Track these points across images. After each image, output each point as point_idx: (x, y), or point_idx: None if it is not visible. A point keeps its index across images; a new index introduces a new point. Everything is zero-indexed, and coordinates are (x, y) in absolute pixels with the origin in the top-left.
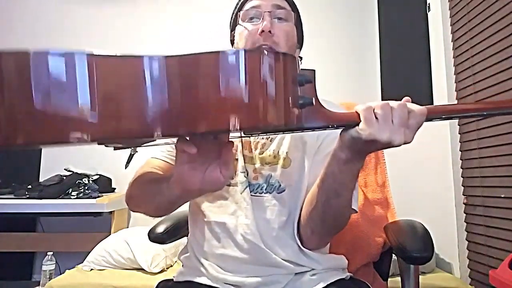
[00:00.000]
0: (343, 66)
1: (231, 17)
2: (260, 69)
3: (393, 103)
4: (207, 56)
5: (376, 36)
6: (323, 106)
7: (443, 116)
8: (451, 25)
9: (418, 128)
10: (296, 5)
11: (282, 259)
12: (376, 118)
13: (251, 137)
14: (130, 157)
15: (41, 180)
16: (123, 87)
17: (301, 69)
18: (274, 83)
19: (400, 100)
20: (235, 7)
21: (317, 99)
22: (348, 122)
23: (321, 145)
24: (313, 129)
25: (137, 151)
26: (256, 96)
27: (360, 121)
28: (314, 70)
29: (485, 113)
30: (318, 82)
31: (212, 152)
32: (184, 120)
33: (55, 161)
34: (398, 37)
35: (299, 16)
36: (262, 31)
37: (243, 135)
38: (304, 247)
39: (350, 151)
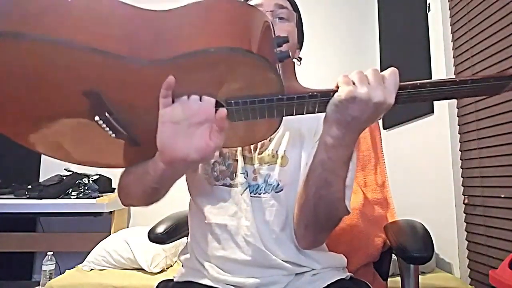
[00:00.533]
0: (343, 66)
1: None
2: (246, 14)
3: (365, 71)
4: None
5: (376, 36)
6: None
7: (414, 91)
8: (451, 25)
9: (396, 88)
10: (297, 6)
11: (282, 260)
12: (353, 82)
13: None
14: None
15: (41, 180)
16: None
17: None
18: (255, 27)
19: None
20: None
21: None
22: (327, 90)
23: (315, 136)
24: (293, 99)
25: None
26: (239, 25)
27: (338, 88)
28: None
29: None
30: (318, 82)
31: (198, 116)
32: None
33: (55, 161)
34: (398, 37)
35: (300, 17)
36: None
37: (227, 107)
38: (300, 245)
39: (337, 126)
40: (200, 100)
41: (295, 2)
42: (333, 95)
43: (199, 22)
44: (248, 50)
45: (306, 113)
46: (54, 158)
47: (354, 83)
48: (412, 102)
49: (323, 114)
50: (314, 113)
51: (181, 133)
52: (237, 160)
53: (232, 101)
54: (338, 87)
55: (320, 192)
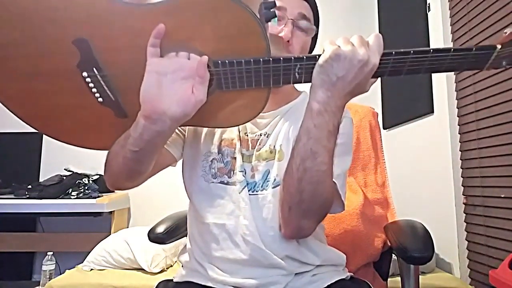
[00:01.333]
0: None
1: None
2: None
3: (353, 37)
4: None
5: None
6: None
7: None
8: (451, 25)
9: (380, 50)
10: (319, 20)
11: (282, 257)
12: (338, 45)
13: (249, 135)
14: None
15: (41, 180)
16: None
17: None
18: None
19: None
20: None
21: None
22: (313, 55)
23: None
24: (279, 61)
25: None
26: None
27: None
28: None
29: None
30: None
31: (184, 71)
32: None
33: (55, 161)
34: (398, 37)
35: (317, 28)
36: (282, 38)
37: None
38: (284, 234)
39: (323, 88)
40: (189, 58)
41: (318, 15)
42: (319, 58)
43: None
44: None
45: (293, 82)
46: (37, 131)
47: (338, 45)
48: (398, 73)
49: None
50: (301, 82)
51: (165, 85)
52: (235, 158)
53: (219, 61)
54: (324, 51)
55: (305, 164)
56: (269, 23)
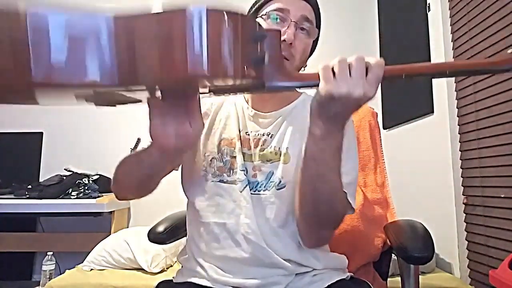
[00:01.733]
0: None
1: (250, 9)
2: (217, 27)
3: (350, 58)
4: (167, 15)
5: (376, 36)
6: (285, 66)
7: (404, 76)
8: (451, 25)
9: (378, 82)
10: (321, 22)
11: (284, 259)
12: (334, 73)
13: (250, 134)
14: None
15: (41, 180)
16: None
17: (263, 28)
18: (225, 39)
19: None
20: (256, 2)
21: (278, 57)
22: (310, 82)
23: None
24: (277, 89)
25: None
26: (203, 49)
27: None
28: (279, 31)
29: (447, 73)
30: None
31: (182, 107)
32: (142, 70)
33: (55, 161)
34: (398, 37)
35: (319, 32)
36: (284, 40)
37: (212, 94)
38: (305, 245)
39: (322, 120)
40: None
41: (320, 17)
42: (314, 87)
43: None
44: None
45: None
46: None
47: (334, 74)
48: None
49: None
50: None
51: (168, 124)
52: (235, 157)
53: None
54: (319, 82)
55: (316, 185)
56: (271, 23)
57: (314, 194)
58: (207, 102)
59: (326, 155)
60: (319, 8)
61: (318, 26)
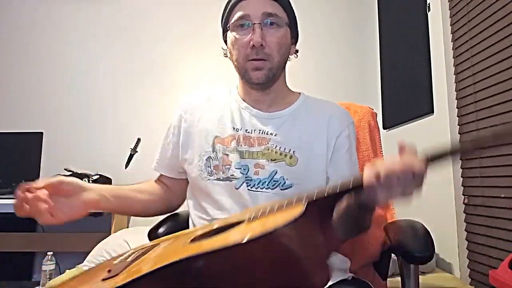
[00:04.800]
0: (343, 66)
1: (221, 19)
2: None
3: (397, 165)
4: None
5: (376, 36)
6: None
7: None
8: (451, 25)
9: (423, 180)
10: (288, 2)
11: None
12: (379, 182)
13: (252, 132)
14: (130, 157)
15: None
16: None
17: None
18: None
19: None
20: (224, 11)
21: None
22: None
23: (336, 144)
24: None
25: (137, 151)
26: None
27: (363, 186)
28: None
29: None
30: (319, 82)
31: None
32: None
33: (55, 161)
34: (398, 37)
35: (293, 12)
36: (253, 45)
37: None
38: None
39: (362, 203)
40: None
41: (289, 2)
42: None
43: None
44: None
45: None
46: None
47: (379, 182)
48: None
49: (331, 118)
50: None
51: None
52: (227, 154)
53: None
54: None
55: (352, 234)
56: (239, 33)
57: (347, 236)
58: (176, 114)
59: (366, 215)
60: None
61: (287, 9)
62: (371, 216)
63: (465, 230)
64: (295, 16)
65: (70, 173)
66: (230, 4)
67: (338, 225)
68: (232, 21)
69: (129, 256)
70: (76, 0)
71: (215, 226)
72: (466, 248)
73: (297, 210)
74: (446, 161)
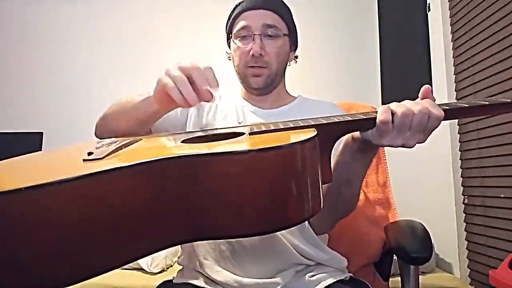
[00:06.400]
0: (343, 66)
1: (226, 26)
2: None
3: (415, 108)
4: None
5: (376, 36)
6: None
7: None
8: (451, 25)
9: (431, 132)
10: (288, 10)
11: (287, 243)
12: (393, 123)
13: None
14: None
15: None
16: None
17: None
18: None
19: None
20: (228, 19)
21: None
22: (363, 124)
23: None
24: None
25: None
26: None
27: (375, 124)
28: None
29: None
30: (320, 81)
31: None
32: None
33: None
34: (398, 37)
35: (293, 21)
36: (253, 54)
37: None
38: (316, 232)
39: (363, 144)
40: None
41: (285, 10)
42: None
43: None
44: None
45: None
46: None
47: (393, 123)
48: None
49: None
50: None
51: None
52: None
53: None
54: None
55: (341, 189)
56: (240, 41)
57: (337, 194)
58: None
59: (358, 164)
60: (285, 6)
61: (287, 19)
62: (362, 174)
63: (465, 230)
64: (295, 26)
65: None
66: (234, 13)
67: (334, 164)
68: (235, 30)
69: (111, 143)
70: (76, 0)
71: (210, 133)
72: (466, 248)
73: (309, 132)
74: (461, 117)
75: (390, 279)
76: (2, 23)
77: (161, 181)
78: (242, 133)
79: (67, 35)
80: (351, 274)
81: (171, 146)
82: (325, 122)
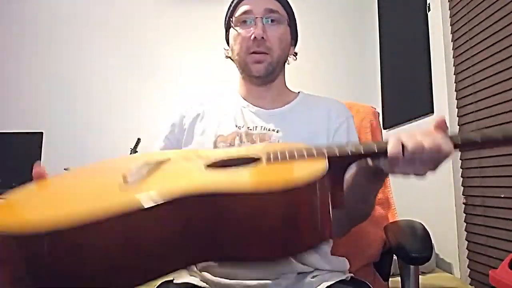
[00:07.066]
0: (343, 66)
1: (225, 18)
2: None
3: (426, 142)
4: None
5: (376, 36)
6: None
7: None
8: (451, 25)
9: (442, 163)
10: (289, 4)
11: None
12: (403, 154)
13: (255, 129)
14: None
15: None
16: None
17: None
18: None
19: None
20: (228, 9)
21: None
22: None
23: (335, 136)
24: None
25: (137, 151)
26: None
27: (387, 153)
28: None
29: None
30: (319, 81)
31: None
32: None
33: (55, 161)
34: (398, 37)
35: (293, 14)
36: (255, 37)
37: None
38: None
39: (376, 168)
40: None
41: (287, 3)
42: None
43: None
44: None
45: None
46: None
47: (403, 154)
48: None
49: (330, 112)
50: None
51: None
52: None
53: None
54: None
55: (357, 206)
56: (242, 28)
57: (352, 210)
58: (179, 111)
59: (373, 185)
60: None
61: (288, 9)
62: (377, 191)
63: (465, 230)
64: (295, 18)
65: None
66: (234, 1)
67: (346, 190)
68: (236, 15)
69: (143, 166)
70: (76, 0)
71: (231, 152)
72: (466, 248)
73: (321, 165)
74: (472, 149)
75: (390, 279)
76: (2, 23)
77: (191, 214)
78: (259, 159)
79: (68, 35)
80: (352, 274)
81: (196, 175)
82: (338, 154)
